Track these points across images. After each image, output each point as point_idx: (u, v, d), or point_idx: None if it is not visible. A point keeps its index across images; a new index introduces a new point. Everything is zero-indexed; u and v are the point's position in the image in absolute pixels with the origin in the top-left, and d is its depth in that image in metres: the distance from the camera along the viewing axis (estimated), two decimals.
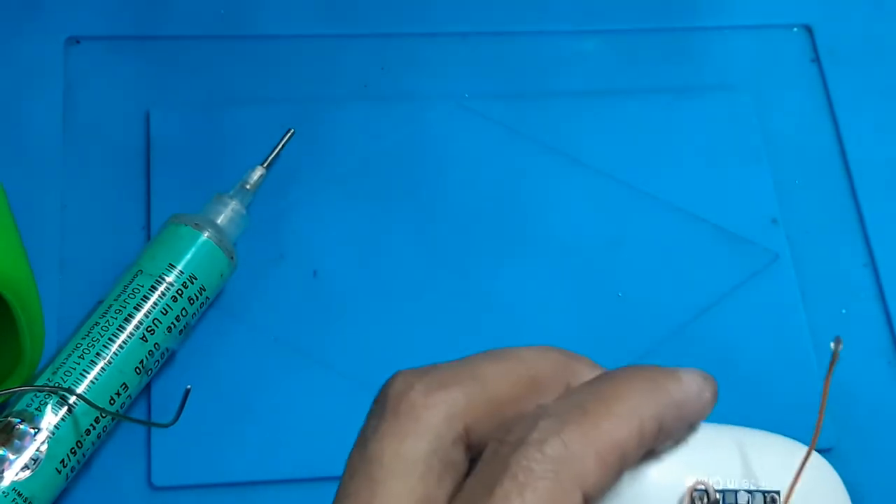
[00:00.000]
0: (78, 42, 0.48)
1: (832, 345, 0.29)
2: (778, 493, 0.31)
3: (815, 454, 0.32)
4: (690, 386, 0.27)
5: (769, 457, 0.31)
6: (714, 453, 0.31)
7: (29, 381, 0.38)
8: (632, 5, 0.51)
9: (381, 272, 0.44)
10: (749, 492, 0.31)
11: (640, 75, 0.50)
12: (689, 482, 0.30)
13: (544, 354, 0.28)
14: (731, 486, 0.31)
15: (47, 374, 0.38)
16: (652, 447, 0.26)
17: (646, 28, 0.51)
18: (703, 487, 0.30)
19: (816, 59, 0.51)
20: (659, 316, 0.44)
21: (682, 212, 0.47)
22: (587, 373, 0.27)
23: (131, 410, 0.41)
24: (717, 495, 0.30)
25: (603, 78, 0.49)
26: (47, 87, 0.46)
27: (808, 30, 0.51)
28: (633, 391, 0.26)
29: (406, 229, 0.45)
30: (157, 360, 0.40)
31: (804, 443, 0.33)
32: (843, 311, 0.46)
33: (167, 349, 0.40)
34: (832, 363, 0.31)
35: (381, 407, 0.26)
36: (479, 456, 0.25)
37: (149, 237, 0.44)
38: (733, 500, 0.30)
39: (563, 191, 0.47)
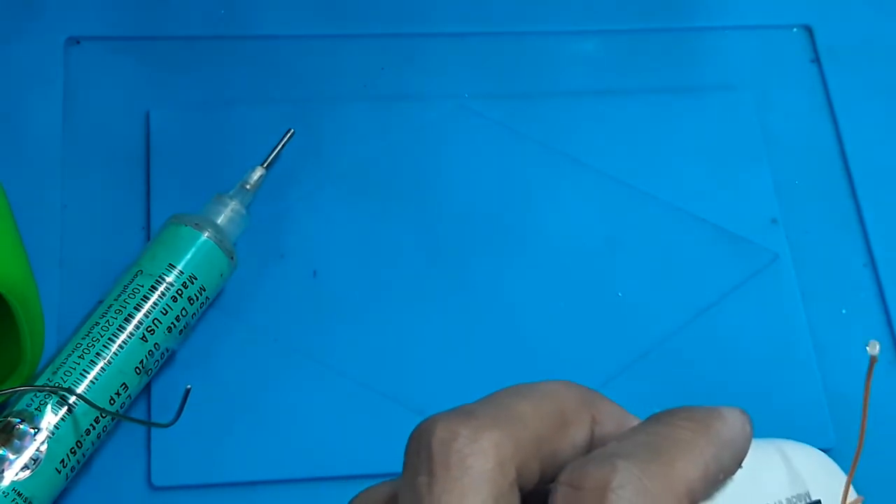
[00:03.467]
0: (78, 42, 0.48)
1: (868, 348, 0.29)
2: (819, 502, 0.31)
3: (821, 454, 0.32)
4: (735, 423, 0.27)
5: (799, 466, 0.31)
6: (752, 476, 0.31)
7: (29, 381, 0.38)
8: (632, 5, 0.51)
9: (381, 272, 0.44)
10: None
11: (640, 75, 0.50)
12: None
13: (569, 388, 0.27)
14: None
15: (47, 374, 0.38)
16: (713, 489, 0.26)
17: (646, 28, 0.51)
18: None
19: (816, 59, 0.51)
20: (659, 316, 0.44)
21: (682, 212, 0.47)
22: (609, 408, 0.27)
23: (131, 410, 0.41)
24: None
25: (603, 78, 0.49)
26: (47, 87, 0.46)
27: (808, 30, 0.51)
28: (691, 434, 0.26)
29: (406, 229, 0.45)
30: (157, 360, 0.40)
31: (805, 442, 0.33)
32: (843, 311, 0.46)
33: (167, 349, 0.40)
34: (871, 368, 0.30)
35: (426, 460, 0.24)
36: (525, 493, 0.25)
37: (149, 237, 0.44)
38: None
39: (563, 191, 0.47)
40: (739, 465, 0.28)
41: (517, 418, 0.25)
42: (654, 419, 0.27)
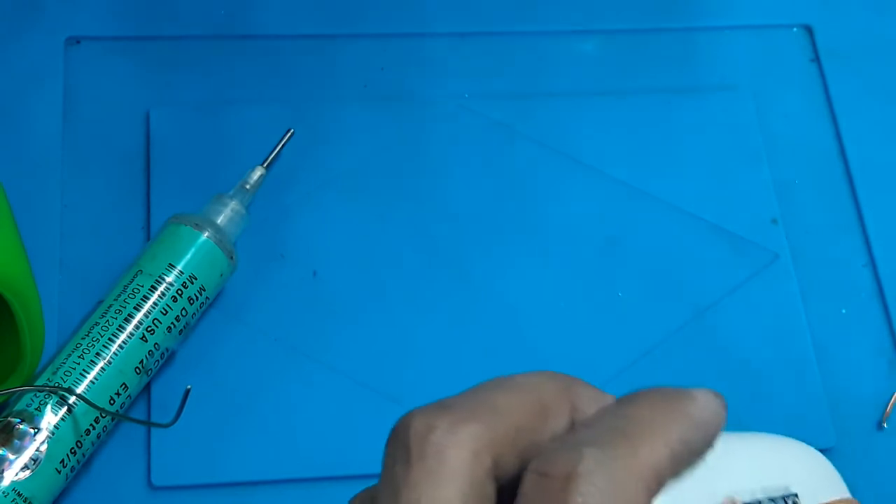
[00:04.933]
0: (78, 42, 0.48)
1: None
2: (797, 495, 0.31)
3: (817, 454, 0.33)
4: (706, 405, 0.27)
5: (784, 460, 0.32)
6: (730, 465, 0.31)
7: (29, 381, 0.38)
8: (632, 5, 0.51)
9: (381, 272, 0.44)
10: (772, 499, 0.31)
11: (640, 75, 0.50)
12: (718, 501, 0.30)
13: (549, 379, 0.28)
14: (756, 497, 0.31)
15: (47, 373, 0.38)
16: (681, 469, 0.27)
17: (646, 28, 0.51)
18: None
19: (816, 59, 0.51)
20: (659, 316, 0.44)
21: (682, 212, 0.47)
22: (589, 394, 0.28)
23: (131, 410, 0.41)
24: None
25: (603, 78, 0.49)
26: (47, 87, 0.46)
27: (808, 30, 0.51)
28: (658, 415, 0.26)
29: (406, 229, 0.45)
30: (157, 360, 0.40)
31: (805, 443, 0.33)
32: (843, 311, 0.46)
33: (167, 349, 0.40)
34: None
35: (404, 451, 0.25)
36: (505, 483, 0.25)
37: (149, 237, 0.44)
38: None
39: (563, 191, 0.47)
40: (710, 447, 0.28)
41: (494, 410, 0.26)
42: (623, 401, 0.27)
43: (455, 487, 0.24)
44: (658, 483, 0.25)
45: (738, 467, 0.31)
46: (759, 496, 0.31)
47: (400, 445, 0.25)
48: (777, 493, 0.31)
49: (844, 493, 0.32)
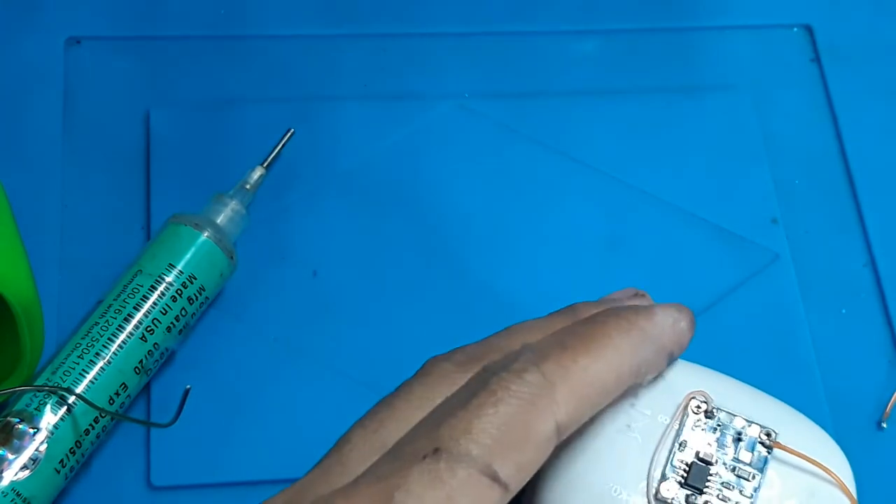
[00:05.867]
0: (78, 42, 0.48)
1: None
2: (776, 432, 0.31)
3: (827, 437, 0.33)
4: (665, 320, 0.29)
5: (783, 417, 0.32)
6: (734, 390, 0.32)
7: (28, 381, 0.38)
8: (632, 5, 0.51)
9: (381, 272, 0.44)
10: (748, 420, 0.32)
11: (640, 75, 0.50)
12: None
13: (555, 317, 0.30)
14: (732, 410, 0.31)
15: (46, 373, 0.38)
16: (633, 382, 0.28)
17: (646, 28, 0.51)
18: (702, 398, 0.31)
19: (816, 59, 0.51)
20: None
21: (682, 211, 0.47)
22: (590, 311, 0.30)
23: (131, 410, 0.41)
24: (716, 411, 0.31)
25: (603, 78, 0.49)
26: (47, 87, 0.46)
27: (808, 30, 0.51)
28: (610, 331, 0.27)
29: (406, 229, 0.45)
30: (157, 360, 0.40)
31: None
32: (843, 311, 0.46)
33: (167, 349, 0.40)
34: None
35: (414, 375, 0.28)
36: None
37: (149, 237, 0.44)
38: (728, 422, 0.31)
39: (563, 190, 0.47)
40: (669, 361, 0.30)
41: (499, 350, 0.28)
42: (584, 320, 0.29)
43: (445, 393, 0.27)
44: (597, 392, 0.26)
45: (742, 396, 0.32)
46: (737, 412, 0.31)
47: (415, 374, 0.28)
48: (757, 421, 0.31)
49: (846, 474, 0.32)
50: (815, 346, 0.44)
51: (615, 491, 0.31)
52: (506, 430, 0.24)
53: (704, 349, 0.44)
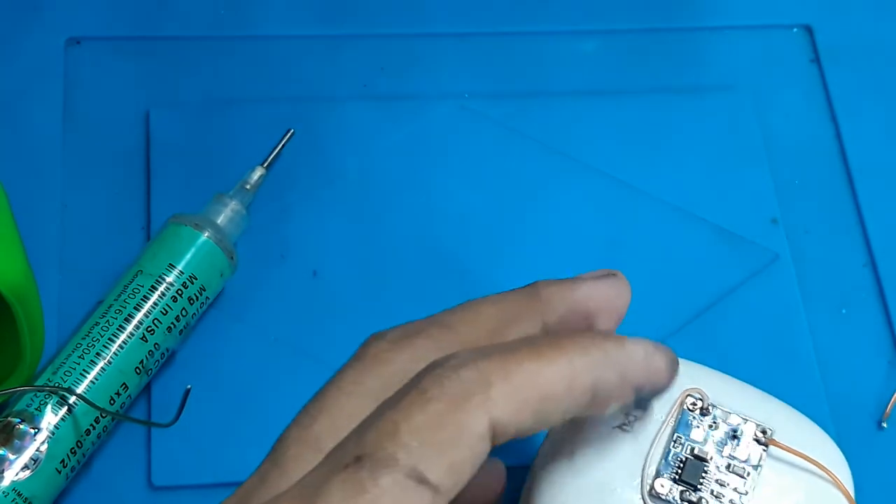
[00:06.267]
0: (78, 42, 0.48)
1: None
2: (772, 429, 0.31)
3: (825, 435, 0.33)
4: (635, 350, 0.28)
5: (780, 415, 0.32)
6: (731, 387, 0.32)
7: (29, 381, 0.38)
8: (632, 5, 0.51)
9: (381, 272, 0.44)
10: (743, 417, 0.32)
11: (640, 75, 0.50)
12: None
13: (509, 294, 0.29)
14: (728, 408, 0.31)
15: (47, 373, 0.38)
16: (589, 405, 0.26)
17: (646, 28, 0.51)
18: (698, 395, 0.31)
19: (816, 59, 0.51)
20: (658, 316, 0.44)
21: (682, 212, 0.47)
22: (555, 291, 0.29)
23: (131, 410, 0.41)
24: (712, 408, 0.31)
25: (603, 78, 0.49)
26: (47, 87, 0.46)
27: (808, 30, 0.51)
28: (569, 344, 0.26)
29: (406, 229, 0.45)
30: (157, 360, 0.40)
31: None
32: (843, 311, 0.46)
33: (167, 349, 0.40)
34: None
35: (351, 357, 0.28)
36: None
37: (149, 237, 0.44)
38: (725, 418, 0.31)
39: (563, 191, 0.47)
40: (638, 396, 0.28)
41: (445, 325, 0.28)
42: (545, 334, 0.28)
43: (379, 377, 0.26)
44: (541, 401, 0.25)
45: (741, 394, 0.32)
46: (732, 410, 0.31)
47: (353, 355, 0.27)
48: (753, 419, 0.31)
49: (844, 473, 0.32)
50: (815, 346, 0.44)
51: (610, 487, 0.31)
52: (435, 430, 0.24)
53: (704, 349, 0.44)
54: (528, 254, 0.45)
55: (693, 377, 0.33)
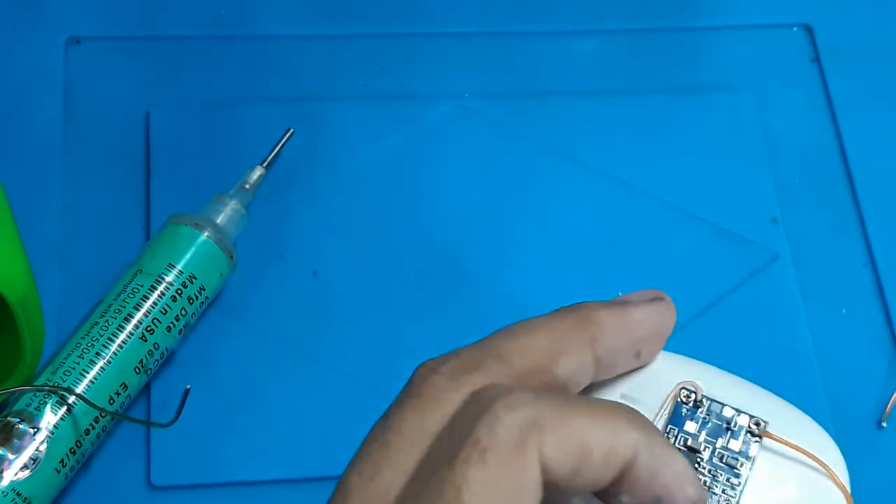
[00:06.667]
0: (78, 42, 0.48)
1: None
2: (766, 421, 0.31)
3: (819, 428, 0.33)
4: (678, 463, 0.27)
5: (774, 407, 0.32)
6: (723, 380, 0.32)
7: (28, 381, 0.38)
8: (632, 5, 0.51)
9: (381, 272, 0.44)
10: (737, 410, 0.32)
11: (640, 75, 0.50)
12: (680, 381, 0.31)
13: (563, 318, 0.28)
14: (721, 400, 0.32)
15: (47, 373, 0.38)
16: (610, 481, 0.26)
17: (646, 28, 0.51)
18: (692, 388, 0.32)
19: (816, 59, 0.51)
20: None
21: (682, 212, 0.47)
22: (608, 319, 0.28)
23: (131, 410, 0.41)
24: (705, 400, 0.31)
25: (603, 78, 0.49)
26: (47, 87, 0.46)
27: (808, 30, 0.51)
28: (624, 415, 0.26)
29: (406, 229, 0.45)
30: (157, 360, 0.40)
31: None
32: (844, 311, 0.46)
33: (167, 349, 0.40)
34: None
35: (406, 390, 0.26)
36: None
37: (149, 237, 0.44)
38: (719, 410, 0.32)
39: (563, 190, 0.47)
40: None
41: (499, 358, 0.27)
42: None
43: (439, 419, 0.25)
44: (579, 459, 0.24)
45: (732, 386, 0.32)
46: (726, 402, 0.32)
47: (406, 387, 0.26)
48: (746, 410, 0.31)
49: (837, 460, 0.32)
50: (815, 346, 0.44)
51: None
52: (495, 489, 0.23)
53: (704, 348, 0.44)
54: (529, 253, 0.45)
55: (687, 371, 0.33)
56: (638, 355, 0.30)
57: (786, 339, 0.45)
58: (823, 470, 0.31)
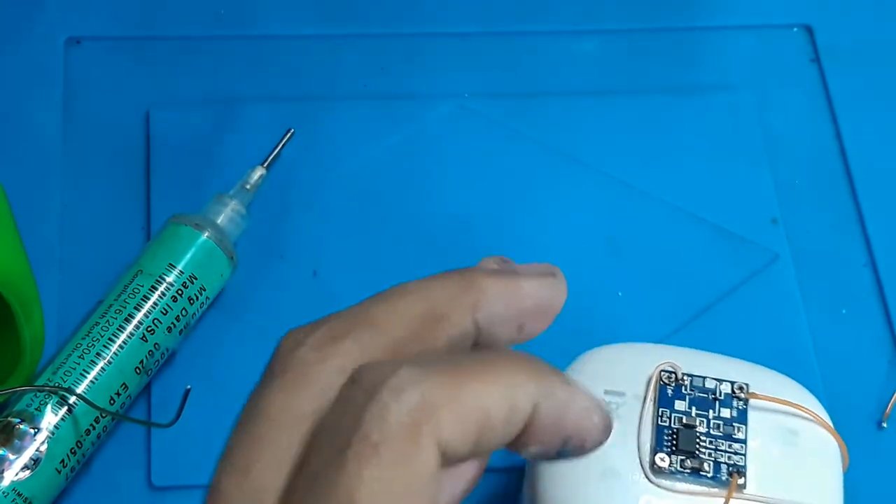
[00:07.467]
0: (78, 42, 0.48)
1: None
2: (747, 384, 0.33)
3: (796, 384, 0.34)
4: (580, 399, 0.25)
5: (750, 372, 0.34)
6: (698, 357, 0.33)
7: (29, 381, 0.38)
8: (632, 5, 0.51)
9: (381, 272, 0.44)
10: (717, 380, 0.33)
11: (640, 75, 0.50)
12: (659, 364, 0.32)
13: (444, 282, 0.26)
14: (700, 374, 0.33)
15: (47, 373, 0.38)
16: (516, 435, 0.24)
17: (646, 28, 0.51)
18: (670, 368, 0.32)
19: (816, 59, 0.51)
20: (659, 316, 0.44)
21: (682, 212, 0.47)
22: (495, 289, 0.26)
23: (131, 410, 0.41)
24: (686, 377, 0.32)
25: (603, 78, 0.49)
26: (47, 87, 0.46)
27: (808, 30, 0.51)
28: (516, 367, 0.24)
29: (406, 229, 0.45)
30: (157, 360, 0.40)
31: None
32: (844, 311, 0.46)
33: (167, 349, 0.40)
34: None
35: (270, 366, 0.25)
36: None
37: (149, 237, 0.44)
38: (700, 384, 0.33)
39: (563, 190, 0.47)
40: (561, 445, 0.25)
41: (371, 323, 0.25)
42: (489, 349, 0.25)
43: (308, 400, 0.24)
44: (481, 426, 0.23)
45: (707, 360, 0.33)
46: (705, 375, 0.32)
47: (271, 361, 0.25)
48: (726, 378, 0.32)
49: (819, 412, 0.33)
50: (815, 346, 0.44)
51: (614, 472, 0.31)
52: (388, 484, 0.22)
53: (704, 348, 0.44)
54: (529, 253, 0.45)
55: (662, 354, 0.34)
56: (521, 328, 0.27)
57: (786, 340, 0.45)
58: (809, 416, 0.33)
